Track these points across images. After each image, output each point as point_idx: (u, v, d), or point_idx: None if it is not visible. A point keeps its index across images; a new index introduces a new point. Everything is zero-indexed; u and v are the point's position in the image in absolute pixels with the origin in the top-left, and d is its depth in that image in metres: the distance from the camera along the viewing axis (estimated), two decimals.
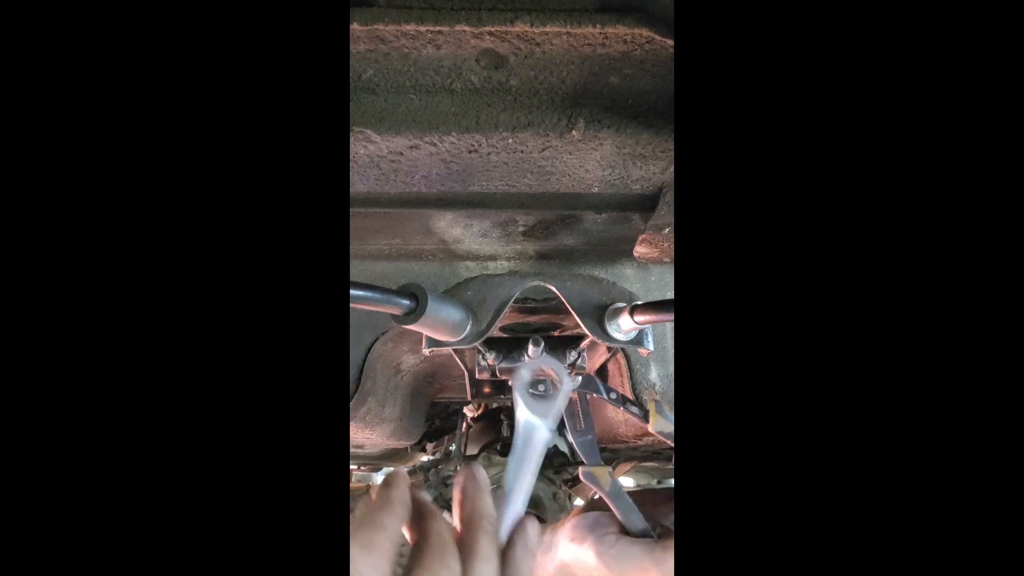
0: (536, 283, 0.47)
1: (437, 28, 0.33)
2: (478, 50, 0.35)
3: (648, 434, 0.71)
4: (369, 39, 0.35)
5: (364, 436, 0.77)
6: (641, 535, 0.50)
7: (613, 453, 1.01)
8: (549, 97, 0.39)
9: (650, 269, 0.62)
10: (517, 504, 0.39)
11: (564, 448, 1.21)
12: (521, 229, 0.55)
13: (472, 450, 1.25)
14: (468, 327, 0.45)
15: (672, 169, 0.44)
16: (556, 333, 0.61)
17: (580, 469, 0.53)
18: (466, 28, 0.33)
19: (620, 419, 0.81)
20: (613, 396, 0.57)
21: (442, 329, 0.42)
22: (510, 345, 0.59)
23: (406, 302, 0.36)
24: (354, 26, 0.33)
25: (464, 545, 0.32)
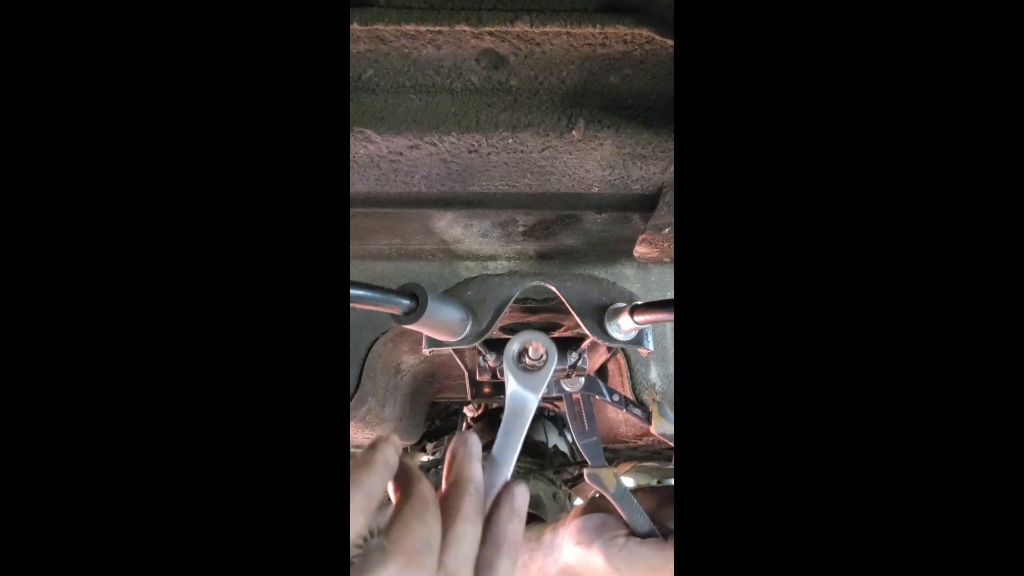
0: (536, 283, 0.47)
1: (437, 28, 0.33)
2: (478, 50, 0.35)
3: (648, 434, 0.71)
4: (369, 39, 0.35)
5: (364, 436, 0.77)
6: (647, 536, 0.50)
7: (613, 453, 1.01)
8: (549, 97, 0.39)
9: (650, 269, 0.62)
10: (505, 470, 0.40)
11: (564, 448, 1.21)
12: (521, 229, 0.55)
13: None
14: (468, 327, 0.44)
15: (672, 169, 0.44)
16: (556, 333, 0.61)
17: (585, 471, 0.53)
18: (466, 28, 0.33)
19: (620, 419, 0.81)
20: (616, 398, 0.57)
21: (442, 329, 0.42)
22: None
23: (406, 302, 0.36)
24: (354, 26, 0.33)
25: (448, 506, 0.33)
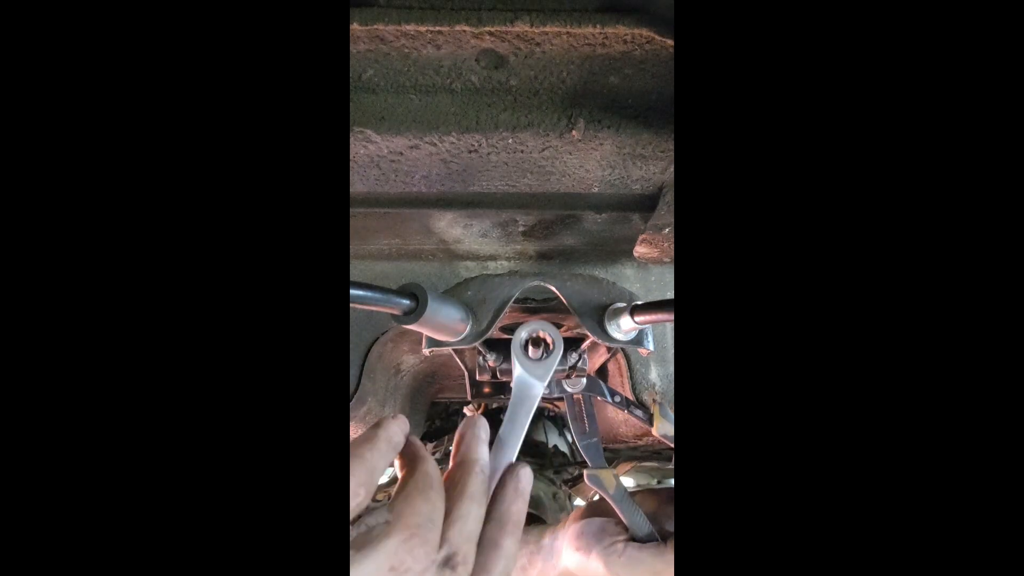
0: (536, 283, 0.47)
1: (437, 28, 0.33)
2: (478, 50, 0.35)
3: (648, 434, 0.70)
4: (369, 39, 0.35)
5: None
6: (647, 538, 0.50)
7: (613, 453, 1.01)
8: (549, 97, 0.39)
9: (650, 269, 0.62)
10: (510, 452, 0.41)
11: (564, 448, 1.21)
12: (521, 229, 0.55)
13: None
14: (468, 327, 0.44)
15: (672, 169, 0.44)
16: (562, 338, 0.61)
17: (585, 472, 0.53)
18: (466, 28, 0.33)
19: (620, 419, 0.81)
20: (617, 399, 0.57)
21: (442, 329, 0.42)
22: (510, 345, 0.59)
23: (406, 302, 0.36)
24: (354, 26, 0.33)
25: (454, 485, 0.34)
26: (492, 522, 0.35)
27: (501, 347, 0.58)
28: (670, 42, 0.34)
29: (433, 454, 1.41)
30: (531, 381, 0.45)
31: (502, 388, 0.78)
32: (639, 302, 0.42)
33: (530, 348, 0.48)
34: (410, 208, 0.50)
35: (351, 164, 0.43)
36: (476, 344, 0.45)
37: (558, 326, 0.52)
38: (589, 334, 0.46)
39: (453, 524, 0.32)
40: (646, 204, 0.49)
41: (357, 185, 0.46)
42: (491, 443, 0.40)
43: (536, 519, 0.86)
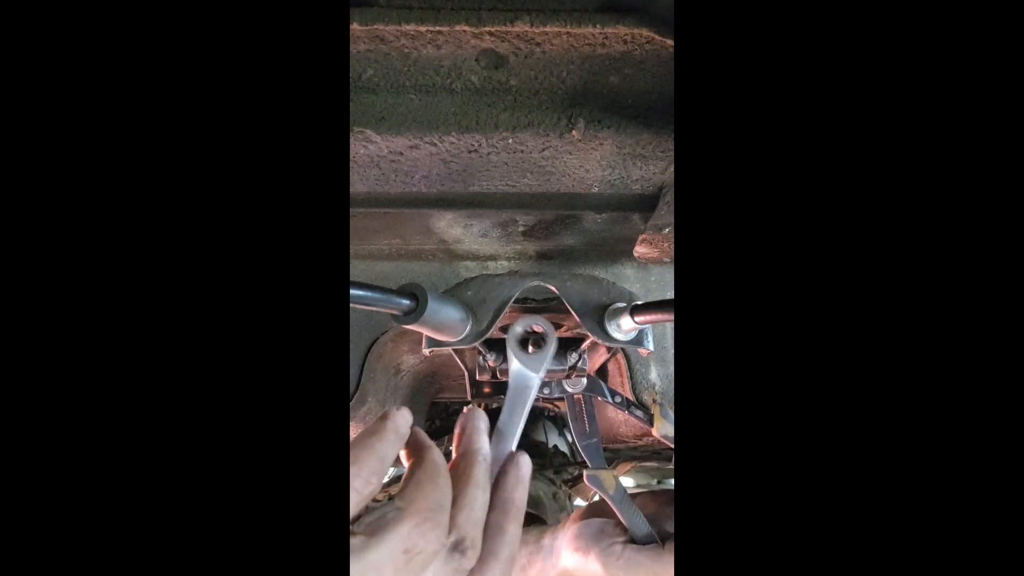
0: (536, 283, 0.47)
1: (437, 28, 0.33)
2: (478, 50, 0.35)
3: (648, 434, 0.70)
4: (369, 39, 0.35)
5: None
6: (646, 540, 0.50)
7: (613, 453, 1.01)
8: (549, 97, 0.39)
9: (650, 269, 0.62)
10: (510, 441, 0.43)
11: (564, 448, 1.21)
12: (521, 229, 0.55)
13: None
14: (468, 327, 0.44)
15: (672, 169, 0.44)
16: (556, 333, 0.61)
17: (585, 472, 0.53)
18: (466, 28, 0.33)
19: (620, 419, 0.81)
20: (618, 400, 0.57)
21: (442, 329, 0.42)
22: None
23: (406, 302, 0.36)
24: (354, 26, 0.33)
25: (459, 473, 0.35)
26: (496, 509, 0.36)
27: (501, 347, 0.58)
28: (670, 42, 0.34)
29: None
30: (527, 374, 0.47)
31: (502, 388, 0.78)
32: (639, 302, 0.42)
33: (529, 346, 0.48)
34: (410, 208, 0.50)
35: (351, 164, 0.43)
36: (476, 344, 0.45)
37: (558, 326, 0.52)
38: (589, 334, 0.46)
39: (461, 510, 0.33)
40: (646, 204, 0.49)
41: (357, 185, 0.46)
42: (490, 435, 0.41)
43: (536, 519, 0.86)
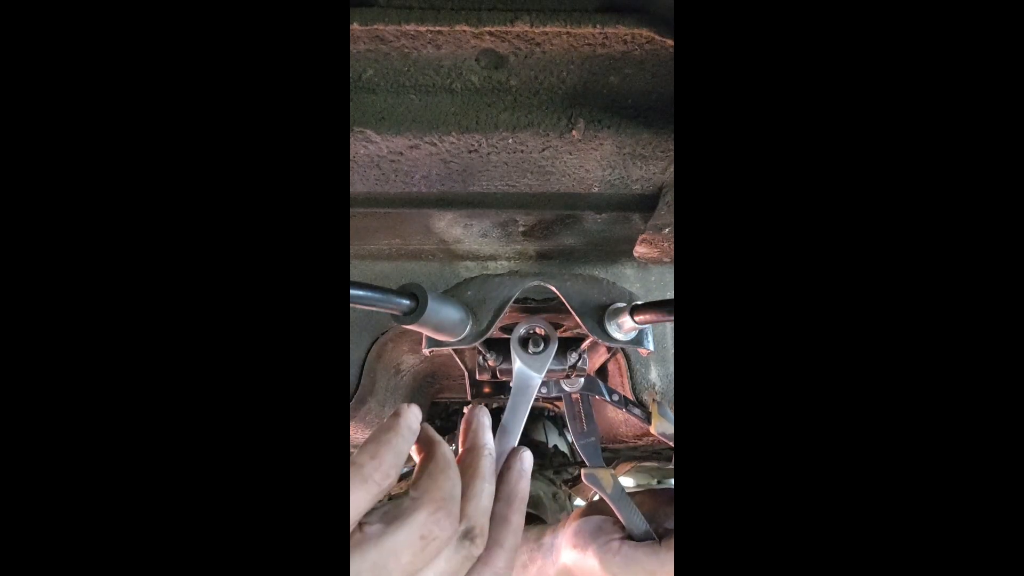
0: (536, 283, 0.47)
1: (437, 28, 0.33)
2: (478, 50, 0.35)
3: (648, 434, 0.71)
4: (369, 39, 0.35)
5: (364, 436, 0.77)
6: (644, 537, 0.50)
7: (613, 453, 1.01)
8: (549, 97, 0.39)
9: (650, 269, 0.62)
10: (512, 437, 0.46)
11: (564, 448, 1.21)
12: (521, 229, 0.55)
13: None
14: (468, 327, 0.44)
15: (672, 169, 0.44)
16: (556, 333, 0.61)
17: (583, 471, 0.53)
18: (466, 28, 0.33)
19: (620, 419, 0.81)
20: (615, 398, 0.57)
21: (442, 329, 0.42)
22: (510, 344, 0.59)
23: (406, 302, 0.36)
24: (354, 26, 0.33)
25: (466, 467, 0.37)
26: (500, 500, 0.39)
27: (501, 347, 0.58)
28: (670, 42, 0.34)
29: None
30: (530, 373, 0.49)
31: (502, 388, 0.78)
32: (639, 302, 0.42)
33: (530, 345, 0.49)
34: (410, 208, 0.50)
35: (351, 164, 0.43)
36: (476, 344, 0.45)
37: (558, 326, 0.52)
38: (589, 334, 0.46)
39: (470, 501, 0.35)
40: (646, 204, 0.49)
41: (357, 185, 0.46)
42: (494, 431, 0.43)
43: (536, 519, 0.86)
